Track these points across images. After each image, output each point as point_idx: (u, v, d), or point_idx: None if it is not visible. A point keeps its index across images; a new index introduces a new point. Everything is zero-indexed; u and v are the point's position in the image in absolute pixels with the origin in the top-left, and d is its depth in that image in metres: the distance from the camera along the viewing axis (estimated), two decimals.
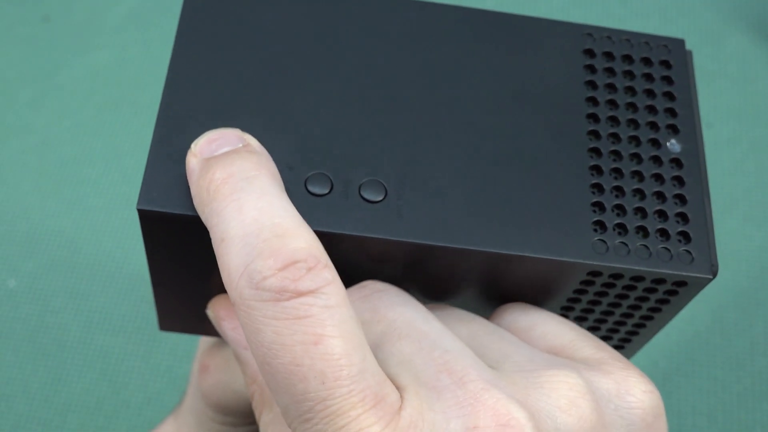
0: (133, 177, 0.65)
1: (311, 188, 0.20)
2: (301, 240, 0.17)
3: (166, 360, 0.57)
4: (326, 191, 0.20)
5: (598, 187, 0.21)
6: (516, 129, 0.21)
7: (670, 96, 0.23)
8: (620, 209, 0.21)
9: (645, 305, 0.22)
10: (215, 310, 0.23)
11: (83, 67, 0.72)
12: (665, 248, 0.21)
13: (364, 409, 0.16)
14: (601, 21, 0.71)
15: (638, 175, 0.22)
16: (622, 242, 0.21)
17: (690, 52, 0.24)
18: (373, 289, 0.20)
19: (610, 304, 0.23)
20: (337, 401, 0.16)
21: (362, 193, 0.20)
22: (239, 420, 0.31)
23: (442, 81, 0.22)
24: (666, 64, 0.23)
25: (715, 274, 0.21)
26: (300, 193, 0.20)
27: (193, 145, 0.19)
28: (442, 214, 0.20)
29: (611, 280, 0.21)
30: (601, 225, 0.21)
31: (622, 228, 0.21)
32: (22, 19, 0.75)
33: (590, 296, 0.22)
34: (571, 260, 0.20)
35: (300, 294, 0.16)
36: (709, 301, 0.58)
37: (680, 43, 0.23)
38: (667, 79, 0.23)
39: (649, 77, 0.23)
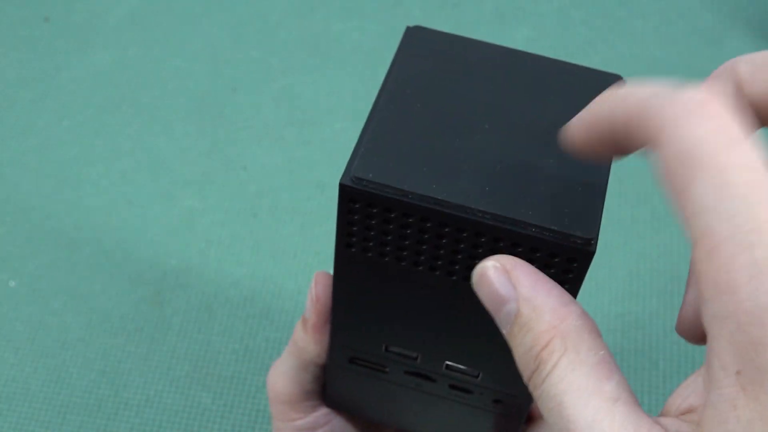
0: (133, 177, 0.65)
1: None
2: None
3: (166, 360, 0.57)
4: None
5: None
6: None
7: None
8: None
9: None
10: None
11: (83, 68, 0.72)
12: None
13: None
14: (601, 21, 0.71)
15: None
16: None
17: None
18: None
19: None
20: None
21: None
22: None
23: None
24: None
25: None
26: None
27: None
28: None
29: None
30: None
31: None
32: (22, 19, 0.75)
33: None
34: None
35: None
36: None
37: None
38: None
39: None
